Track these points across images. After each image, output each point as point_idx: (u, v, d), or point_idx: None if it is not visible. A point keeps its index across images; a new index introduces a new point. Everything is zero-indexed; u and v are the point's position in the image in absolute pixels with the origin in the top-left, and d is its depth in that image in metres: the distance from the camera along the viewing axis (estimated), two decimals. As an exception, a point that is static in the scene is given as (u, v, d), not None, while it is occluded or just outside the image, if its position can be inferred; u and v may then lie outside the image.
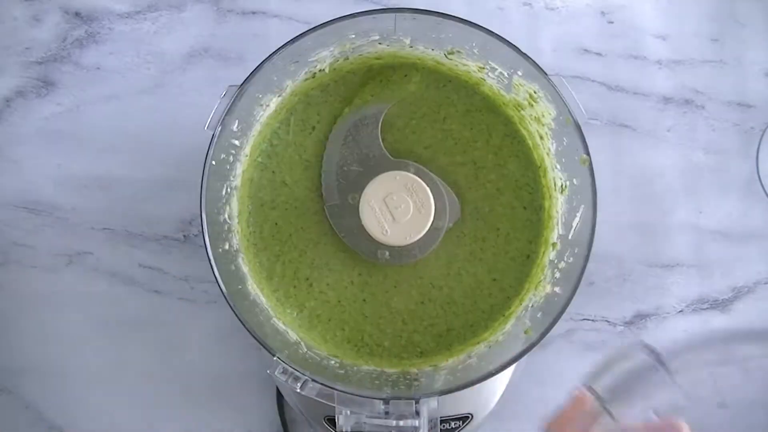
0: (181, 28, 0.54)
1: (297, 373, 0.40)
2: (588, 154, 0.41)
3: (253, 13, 0.55)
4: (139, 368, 0.53)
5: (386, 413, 0.41)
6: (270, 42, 0.53)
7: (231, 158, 0.44)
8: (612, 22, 0.55)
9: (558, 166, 0.45)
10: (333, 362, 0.45)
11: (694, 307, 0.54)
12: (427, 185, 0.45)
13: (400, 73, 0.47)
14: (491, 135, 0.47)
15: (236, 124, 0.43)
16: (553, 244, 0.45)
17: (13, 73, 0.54)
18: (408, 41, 0.45)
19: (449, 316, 0.46)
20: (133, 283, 0.53)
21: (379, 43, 0.45)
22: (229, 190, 0.45)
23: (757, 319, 0.54)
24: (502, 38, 0.41)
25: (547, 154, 0.45)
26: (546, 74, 0.41)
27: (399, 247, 0.45)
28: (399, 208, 0.44)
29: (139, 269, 0.54)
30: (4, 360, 0.53)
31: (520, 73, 0.43)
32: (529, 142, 0.46)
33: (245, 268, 0.46)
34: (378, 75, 0.47)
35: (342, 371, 0.44)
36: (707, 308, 0.54)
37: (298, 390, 0.40)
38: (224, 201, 0.44)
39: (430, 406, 0.41)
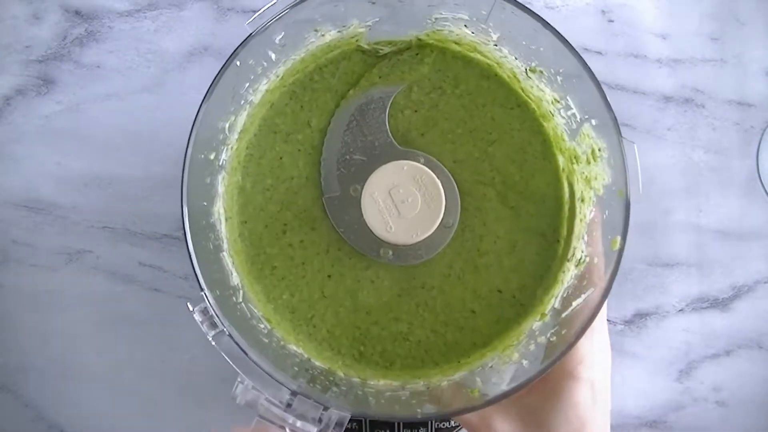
0: (182, 26, 0.54)
1: (216, 320, 0.36)
2: (624, 238, 0.37)
3: (254, 11, 0.54)
4: (138, 366, 0.53)
5: (288, 405, 0.36)
6: (270, 40, 0.53)
7: (249, 83, 0.39)
8: (612, 21, 0.55)
9: (586, 238, 0.40)
10: (262, 326, 0.40)
11: (694, 306, 0.54)
12: (438, 178, 0.40)
13: (411, 53, 0.41)
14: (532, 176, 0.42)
15: (281, 36, 0.37)
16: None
17: (13, 72, 0.54)
18: (495, 37, 0.39)
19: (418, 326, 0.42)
20: (133, 281, 0.53)
21: (465, 26, 0.39)
22: (226, 133, 0.41)
23: (757, 318, 0.54)
24: (594, 76, 0.35)
25: (581, 220, 0.41)
26: (621, 135, 0.36)
27: (404, 246, 0.41)
28: (405, 202, 0.40)
29: (139, 267, 0.53)
30: (4, 358, 0.53)
31: (594, 122, 0.38)
32: (567, 204, 0.42)
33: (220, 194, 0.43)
34: (386, 55, 0.42)
35: (266, 340, 0.40)
36: (707, 307, 0.54)
37: (210, 339, 0.36)
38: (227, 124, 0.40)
39: (335, 421, 0.36)
